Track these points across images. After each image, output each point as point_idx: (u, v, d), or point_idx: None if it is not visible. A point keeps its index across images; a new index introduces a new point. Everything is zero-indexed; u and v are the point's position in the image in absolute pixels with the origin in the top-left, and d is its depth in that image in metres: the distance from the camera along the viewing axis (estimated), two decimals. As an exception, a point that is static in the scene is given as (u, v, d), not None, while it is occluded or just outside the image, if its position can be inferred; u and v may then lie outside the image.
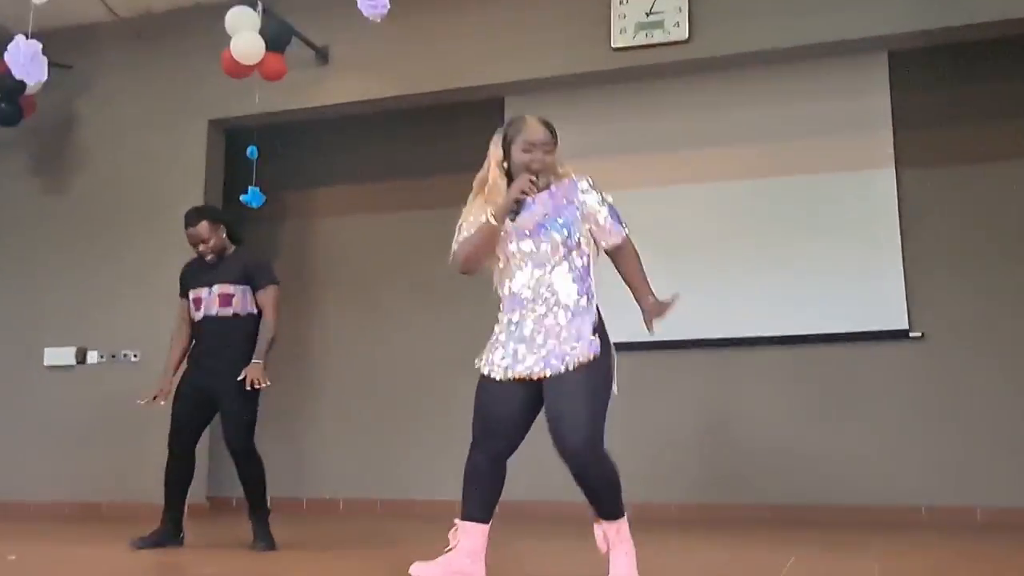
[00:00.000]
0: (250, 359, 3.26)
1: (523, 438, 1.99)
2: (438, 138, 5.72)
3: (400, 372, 5.65)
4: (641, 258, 2.05)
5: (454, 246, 2.05)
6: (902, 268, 4.63)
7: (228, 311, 3.28)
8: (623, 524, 1.91)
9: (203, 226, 3.25)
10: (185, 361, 3.37)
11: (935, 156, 4.80)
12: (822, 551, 3.30)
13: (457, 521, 1.94)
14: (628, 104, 5.25)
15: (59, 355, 5.35)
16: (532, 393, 1.91)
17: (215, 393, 3.25)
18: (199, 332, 3.33)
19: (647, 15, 4.51)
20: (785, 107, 5.01)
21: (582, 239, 1.98)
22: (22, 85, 4.96)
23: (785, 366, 4.83)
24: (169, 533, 3.30)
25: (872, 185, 4.79)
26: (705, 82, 5.00)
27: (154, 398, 3.30)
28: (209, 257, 3.31)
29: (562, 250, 1.95)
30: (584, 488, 1.87)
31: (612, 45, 4.57)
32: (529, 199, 1.94)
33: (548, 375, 1.85)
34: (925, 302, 4.62)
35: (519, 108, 5.19)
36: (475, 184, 2.09)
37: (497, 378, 1.94)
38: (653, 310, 1.91)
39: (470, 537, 1.90)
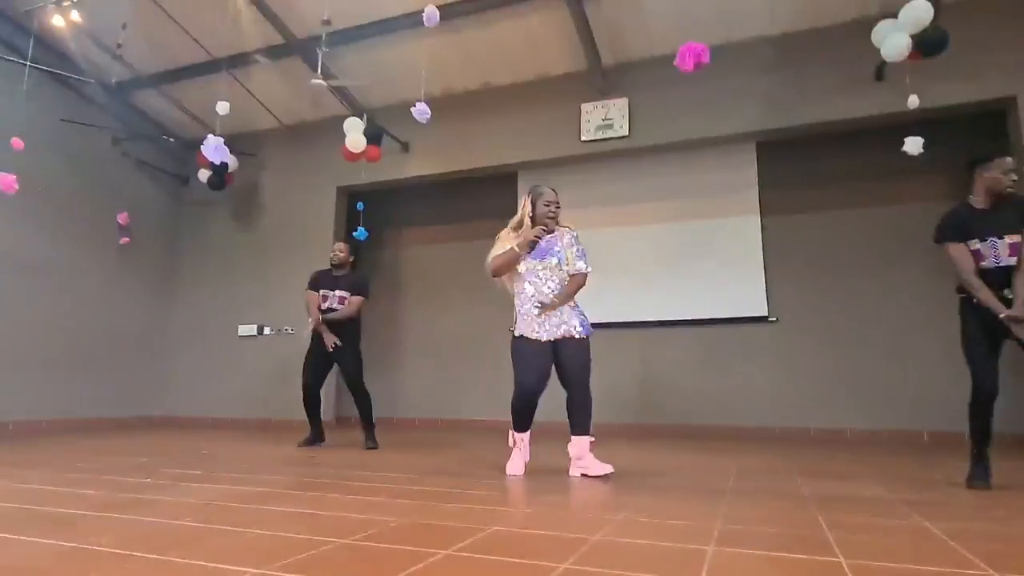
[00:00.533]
0: (354, 337, 4.37)
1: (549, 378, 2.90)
2: (475, 197, 7.19)
3: (453, 339, 7.17)
4: (586, 282, 3.00)
5: (488, 259, 2.94)
6: (763, 276, 6.09)
7: (342, 306, 4.40)
8: (590, 439, 2.86)
9: (345, 246, 4.60)
10: (312, 336, 4.39)
11: (786, 207, 6.19)
12: (703, 453, 4.32)
13: (515, 433, 2.97)
14: (593, 176, 6.66)
15: (247, 329, 7.27)
16: (551, 351, 2.86)
17: (335, 354, 4.31)
18: (326, 320, 4.30)
19: (603, 120, 6.15)
20: (690, 176, 6.41)
21: (568, 266, 2.94)
22: (225, 166, 6.75)
23: (689, 338, 6.29)
24: (317, 437, 4.43)
25: (745, 225, 6.23)
26: (640, 162, 6.44)
27: (334, 345, 4.27)
28: (336, 262, 4.42)
29: (556, 271, 2.90)
30: (575, 407, 2.84)
31: (581, 139, 6.19)
32: (541, 242, 2.88)
33: (562, 338, 2.85)
34: (779, 298, 6.08)
35: (526, 178, 6.98)
36: (510, 224, 3.00)
37: (534, 338, 2.85)
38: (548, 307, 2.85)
39: (526, 440, 3.00)
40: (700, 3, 5.41)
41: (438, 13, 4.06)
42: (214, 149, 4.98)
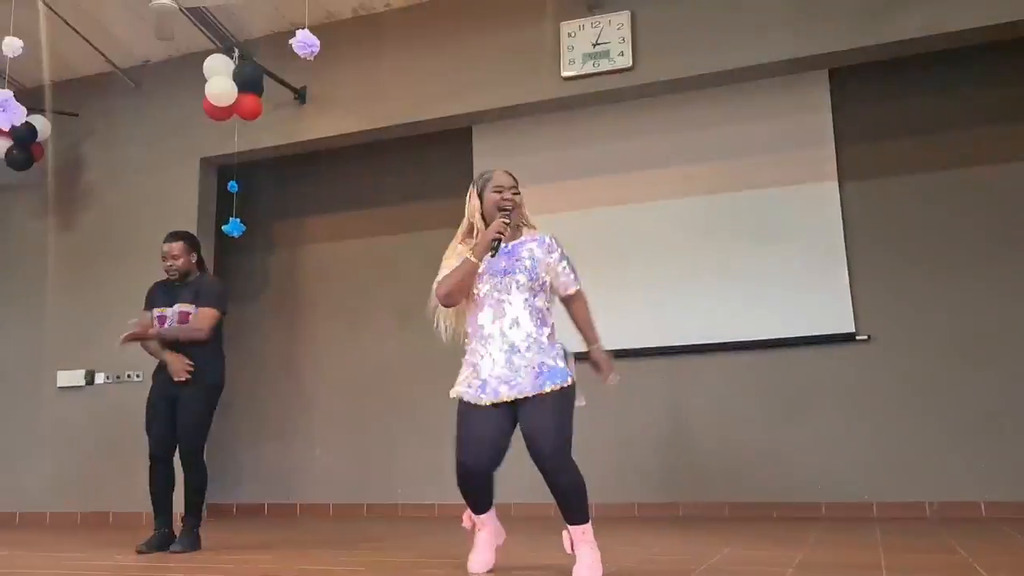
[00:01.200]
0: (199, 375, 3.28)
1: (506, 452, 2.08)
2: (411, 168, 5.57)
3: (383, 382, 5.47)
4: (590, 308, 2.21)
5: (434, 286, 2.09)
6: (847, 274, 4.41)
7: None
8: (588, 528, 1.98)
9: (179, 246, 3.27)
10: (154, 377, 3.33)
11: (875, 168, 4.59)
12: (759, 542, 3.10)
13: (475, 517, 2.21)
14: (582, 129, 5.08)
15: (71, 377, 5.28)
16: (508, 414, 2.01)
17: (176, 398, 3.24)
18: (164, 343, 3.27)
19: (594, 45, 4.37)
20: (732, 127, 4.77)
21: (543, 284, 2.09)
22: (33, 132, 4.99)
23: (739, 370, 4.59)
24: (163, 538, 3.26)
25: (817, 197, 4.54)
26: (655, 106, 4.80)
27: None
28: (173, 275, 3.31)
29: (526, 292, 2.05)
30: (556, 493, 1.97)
31: (562, 74, 4.45)
32: (504, 245, 2.04)
33: (523, 397, 1.97)
34: (870, 306, 4.40)
35: (486, 136, 5.10)
36: (458, 234, 2.18)
37: (476, 403, 2.03)
38: (603, 363, 2.11)
39: (490, 521, 2.24)
40: None
41: (318, 45, 3.65)
42: (2, 106, 4.07)
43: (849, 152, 4.57)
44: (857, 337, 4.31)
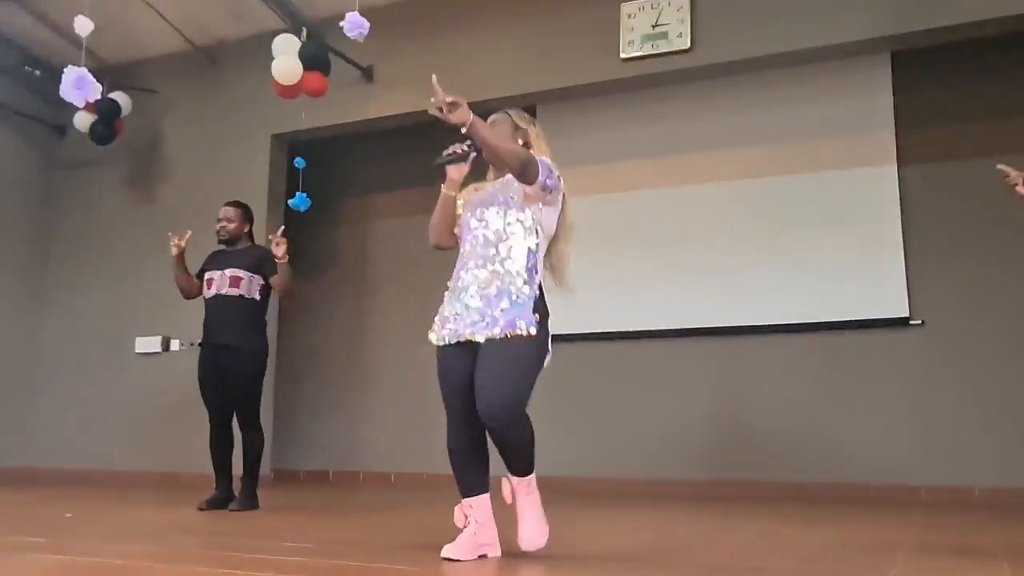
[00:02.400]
0: (252, 340, 3.28)
1: None
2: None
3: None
4: (534, 172, 1.64)
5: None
6: (903, 259, 4.22)
7: (237, 291, 3.23)
8: (531, 479, 1.74)
9: (235, 211, 3.33)
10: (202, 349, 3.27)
11: (935, 152, 4.37)
12: (806, 524, 2.94)
13: (463, 500, 1.74)
14: (639, 111, 4.92)
15: (148, 344, 5.31)
16: (467, 353, 1.69)
17: (225, 369, 3.20)
18: (211, 313, 3.25)
19: (653, 27, 4.20)
20: (790, 109, 4.59)
21: (530, 220, 1.74)
22: (116, 108, 4.96)
23: (792, 352, 4.43)
24: (224, 495, 3.29)
25: (875, 181, 4.35)
26: (713, 88, 4.61)
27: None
28: (223, 236, 3.31)
29: (494, 240, 1.74)
30: (499, 445, 1.70)
31: (621, 56, 4.29)
32: (489, 185, 1.82)
33: (483, 339, 1.65)
34: (925, 291, 4.21)
35: (550, 115, 4.93)
36: None
37: (436, 343, 1.76)
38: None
39: (480, 510, 1.73)
40: None
41: (368, 27, 3.64)
42: (75, 83, 3.95)
43: (909, 136, 4.35)
44: (911, 322, 4.15)
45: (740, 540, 2.47)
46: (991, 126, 4.28)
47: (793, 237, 4.47)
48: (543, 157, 1.74)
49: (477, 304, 1.68)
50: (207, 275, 3.31)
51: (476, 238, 1.78)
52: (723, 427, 4.52)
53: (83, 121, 4.92)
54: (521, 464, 1.73)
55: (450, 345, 1.72)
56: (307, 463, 5.62)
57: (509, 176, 1.72)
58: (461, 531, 1.68)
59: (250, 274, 3.27)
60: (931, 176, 4.31)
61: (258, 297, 3.30)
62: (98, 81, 4.02)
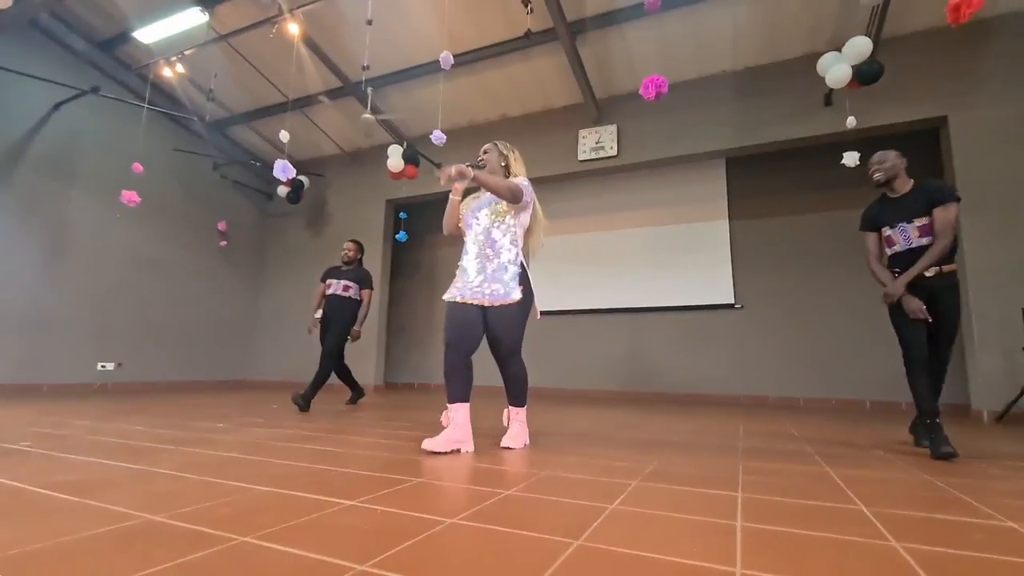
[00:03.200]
0: (346, 319, 4.08)
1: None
2: None
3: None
4: (518, 197, 2.07)
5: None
6: (731, 271, 6.15)
7: (347, 294, 4.11)
8: (523, 411, 2.20)
9: (353, 245, 4.28)
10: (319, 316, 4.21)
11: (750, 212, 6.22)
12: (672, 416, 4.33)
13: (448, 404, 2.03)
14: (588, 189, 6.78)
15: (317, 316, 7.65)
16: (476, 310, 2.10)
17: (331, 326, 4.06)
18: (328, 303, 4.10)
19: (596, 143, 6.24)
20: (670, 188, 6.48)
21: (511, 219, 2.16)
22: (301, 184, 7.23)
23: (669, 322, 6.40)
24: (357, 393, 4.40)
25: (715, 228, 6.31)
26: (629, 176, 6.52)
27: (309, 331, 4.24)
28: (345, 259, 4.19)
29: (503, 220, 2.14)
30: (507, 378, 2.16)
31: (579, 159, 6.28)
32: (483, 195, 2.22)
33: (489, 304, 2.07)
34: (744, 288, 6.14)
35: (536, 191, 7.07)
36: None
37: (451, 299, 2.13)
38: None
39: (460, 412, 2.01)
40: (675, 45, 5.53)
41: (452, 58, 4.31)
42: (282, 168, 5.17)
43: (735, 203, 6.25)
44: (735, 305, 6.15)
45: (647, 425, 3.23)
46: (782, 198, 6.14)
47: (670, 259, 6.40)
48: (522, 179, 2.14)
49: (477, 279, 2.07)
50: (328, 280, 4.15)
51: (475, 232, 2.14)
52: (632, 360, 6.46)
53: (282, 191, 7.32)
54: (519, 398, 2.14)
55: (456, 301, 2.10)
56: (402, 378, 7.69)
57: None
58: (443, 429, 2.05)
59: (355, 285, 4.16)
60: (747, 226, 6.25)
61: (356, 298, 4.15)
62: (293, 167, 5.65)
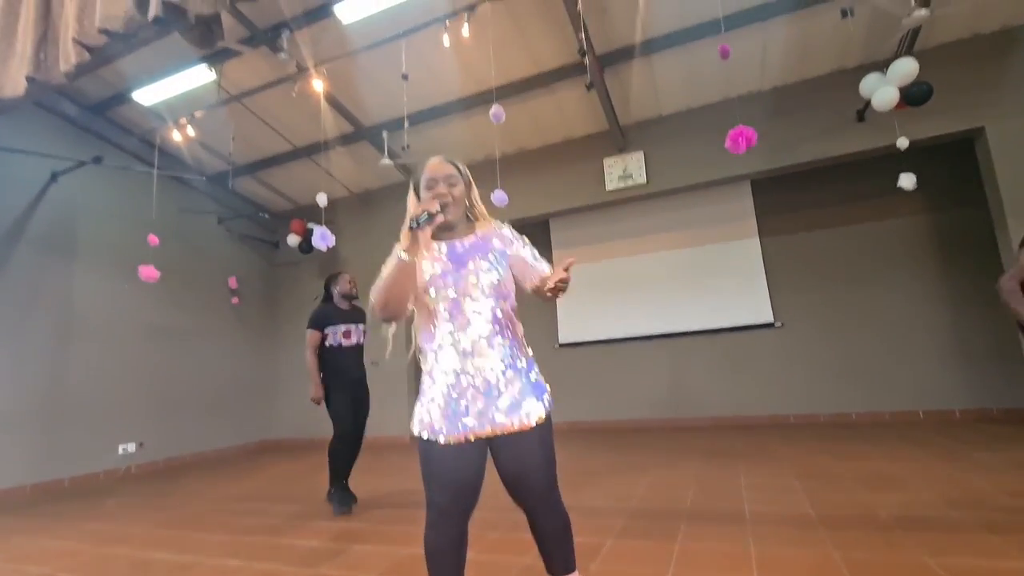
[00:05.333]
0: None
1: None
2: None
3: None
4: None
5: (371, 297, 1.40)
6: (767, 289, 6.11)
7: (363, 342, 3.54)
8: None
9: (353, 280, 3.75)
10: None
11: (781, 229, 6.19)
12: (720, 439, 4.87)
13: None
14: (618, 218, 6.70)
15: None
16: (478, 448, 1.33)
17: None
18: (342, 359, 3.39)
19: (623, 171, 6.11)
20: (700, 210, 6.44)
21: (510, 285, 1.42)
22: (311, 232, 6.74)
23: (709, 345, 6.30)
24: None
25: (747, 247, 6.26)
26: (658, 202, 6.44)
27: (317, 401, 3.36)
28: (352, 294, 3.58)
29: (492, 297, 1.37)
30: (543, 535, 1.39)
31: (606, 188, 6.13)
32: (458, 243, 1.42)
33: (500, 433, 1.32)
34: (781, 306, 6.10)
35: (569, 221, 6.85)
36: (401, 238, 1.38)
37: (441, 441, 1.32)
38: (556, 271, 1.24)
39: None
40: (702, 67, 5.40)
41: (504, 114, 4.13)
42: (321, 236, 5.02)
43: (763, 221, 6.22)
44: (774, 324, 6.09)
45: (691, 445, 4.05)
46: (811, 212, 6.10)
47: (702, 280, 6.33)
48: (532, 248, 1.44)
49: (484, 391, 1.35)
50: (330, 328, 3.47)
51: (463, 308, 1.36)
52: (673, 388, 6.33)
53: (293, 240, 7.13)
54: (568, 559, 1.38)
55: (440, 442, 1.36)
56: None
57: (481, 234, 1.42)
58: None
59: (362, 326, 3.61)
60: (779, 242, 6.19)
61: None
62: (332, 235, 5.16)
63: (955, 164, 5.64)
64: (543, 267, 1.40)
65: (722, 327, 6.26)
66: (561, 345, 6.98)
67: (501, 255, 1.39)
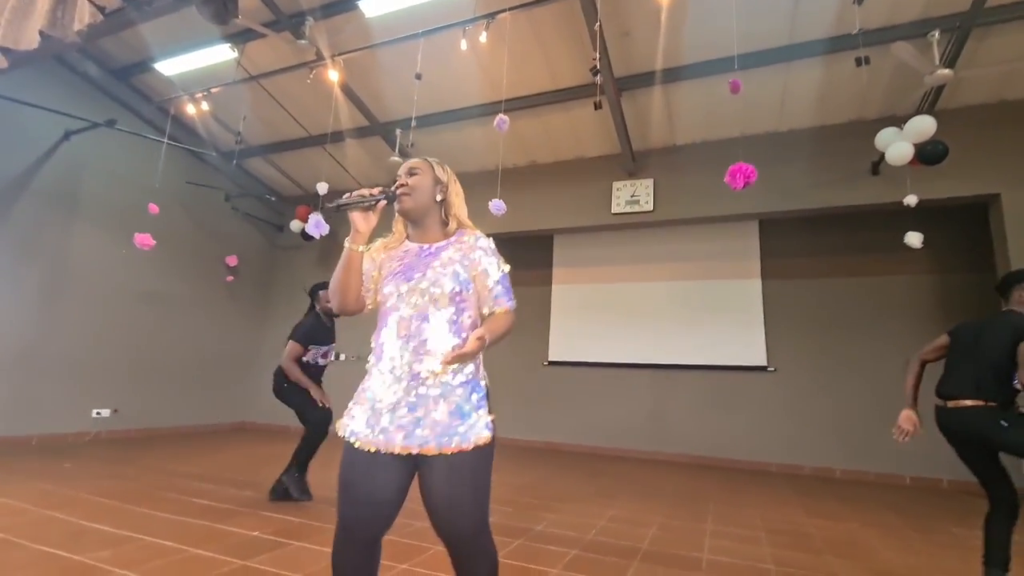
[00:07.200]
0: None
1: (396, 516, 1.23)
2: (522, 256, 7.01)
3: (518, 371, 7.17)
4: (510, 327, 1.31)
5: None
6: (763, 331, 5.97)
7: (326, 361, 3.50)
8: None
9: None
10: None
11: (785, 273, 6.07)
12: (701, 478, 4.77)
13: None
14: (621, 242, 6.63)
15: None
16: (407, 465, 1.19)
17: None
18: (314, 375, 3.41)
19: (631, 196, 6.08)
20: (705, 244, 6.34)
21: (469, 297, 1.30)
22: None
23: (697, 381, 6.15)
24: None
25: (748, 287, 6.14)
26: (663, 231, 6.38)
27: (322, 404, 3.36)
28: (328, 315, 3.48)
29: (448, 308, 1.26)
30: (463, 572, 1.22)
31: (612, 211, 6.08)
32: (426, 247, 1.36)
33: (428, 452, 1.17)
34: (777, 351, 5.94)
35: (561, 243, 6.86)
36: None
37: (364, 446, 1.20)
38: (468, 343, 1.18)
39: None
40: (721, 102, 5.35)
41: (508, 121, 4.09)
42: (315, 224, 5.05)
43: (767, 263, 6.10)
44: (768, 368, 5.93)
45: (664, 481, 3.94)
46: (817, 259, 5.99)
47: (699, 315, 6.22)
48: (503, 272, 1.34)
49: (406, 401, 1.22)
50: (314, 347, 3.42)
51: (408, 310, 1.27)
52: (654, 419, 6.17)
53: (296, 226, 7.03)
54: None
55: (359, 447, 1.24)
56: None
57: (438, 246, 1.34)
58: None
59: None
60: (783, 286, 6.08)
61: None
62: (327, 224, 5.60)
63: (967, 227, 5.53)
64: (497, 300, 1.33)
65: (714, 364, 6.12)
66: (550, 362, 6.86)
67: (467, 267, 1.31)
